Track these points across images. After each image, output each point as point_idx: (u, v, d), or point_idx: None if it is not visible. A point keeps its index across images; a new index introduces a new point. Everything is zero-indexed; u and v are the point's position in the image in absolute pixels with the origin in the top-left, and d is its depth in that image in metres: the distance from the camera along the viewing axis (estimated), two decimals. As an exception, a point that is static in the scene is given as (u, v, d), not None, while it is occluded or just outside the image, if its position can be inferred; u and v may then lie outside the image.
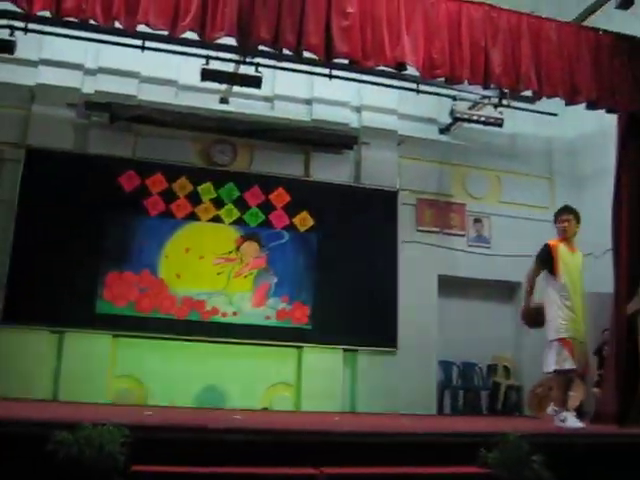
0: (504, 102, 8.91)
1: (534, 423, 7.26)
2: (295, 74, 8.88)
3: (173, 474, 3.49)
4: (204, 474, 3.57)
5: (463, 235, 10.51)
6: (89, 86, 9.30)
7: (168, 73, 9.51)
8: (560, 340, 5.76)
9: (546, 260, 5.99)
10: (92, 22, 6.48)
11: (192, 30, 6.44)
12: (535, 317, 6.02)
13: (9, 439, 3.59)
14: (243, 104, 9.79)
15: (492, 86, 7.47)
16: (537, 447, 4.04)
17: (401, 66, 6.76)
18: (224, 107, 9.73)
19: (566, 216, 6.12)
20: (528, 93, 7.59)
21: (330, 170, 9.92)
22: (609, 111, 7.29)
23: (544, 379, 7.59)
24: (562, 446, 4.53)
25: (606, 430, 5.78)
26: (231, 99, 9.77)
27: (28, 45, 8.04)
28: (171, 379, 8.60)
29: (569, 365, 5.70)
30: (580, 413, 6.77)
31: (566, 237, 6.07)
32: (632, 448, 4.81)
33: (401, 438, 4.40)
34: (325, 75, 8.63)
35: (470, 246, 10.50)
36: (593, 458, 4.50)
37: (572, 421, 5.59)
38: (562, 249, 6.00)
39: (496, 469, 3.99)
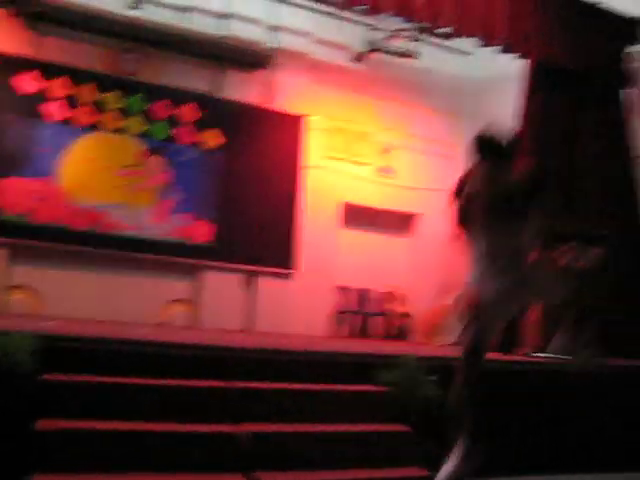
0: (420, 37, 9.00)
1: (427, 348, 7.64)
2: (212, -15, 8.59)
3: (81, 382, 3.50)
4: (111, 384, 3.60)
5: (370, 164, 10.67)
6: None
7: (76, -30, 8.94)
8: None
9: None
10: None
11: None
12: None
13: None
14: (155, 12, 9.36)
15: (415, 21, 7.49)
16: (432, 369, 4.31)
17: (325, -10, 6.67)
18: (134, 13, 9.28)
19: None
20: (445, 30, 7.63)
21: (243, 89, 9.72)
22: (522, 56, 7.44)
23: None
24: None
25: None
26: (144, 6, 9.31)
27: None
28: (69, 291, 8.43)
29: None
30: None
31: None
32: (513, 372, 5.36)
33: (303, 356, 4.56)
34: (244, -10, 8.40)
35: (376, 176, 10.68)
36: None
37: None
38: None
39: (390, 388, 4.24)
